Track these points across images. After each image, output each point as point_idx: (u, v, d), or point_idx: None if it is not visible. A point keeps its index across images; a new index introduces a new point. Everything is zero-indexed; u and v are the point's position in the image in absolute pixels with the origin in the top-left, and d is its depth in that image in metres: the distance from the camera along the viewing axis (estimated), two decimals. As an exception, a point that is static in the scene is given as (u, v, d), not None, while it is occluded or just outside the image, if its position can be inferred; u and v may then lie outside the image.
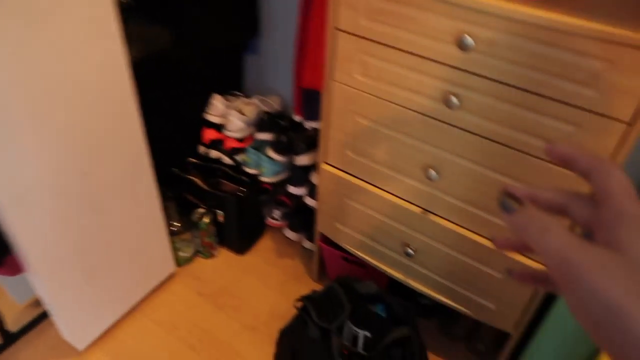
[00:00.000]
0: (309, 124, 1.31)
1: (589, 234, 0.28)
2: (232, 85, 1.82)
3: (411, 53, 0.99)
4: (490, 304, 1.23)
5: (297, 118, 1.35)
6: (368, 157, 1.22)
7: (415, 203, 1.21)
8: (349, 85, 1.14)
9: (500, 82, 0.92)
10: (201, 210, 1.68)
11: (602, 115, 0.84)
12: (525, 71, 0.88)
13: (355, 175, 1.28)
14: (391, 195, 1.24)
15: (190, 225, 1.67)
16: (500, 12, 0.84)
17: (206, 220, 1.66)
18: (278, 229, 1.85)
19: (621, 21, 0.77)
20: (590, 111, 0.85)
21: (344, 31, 1.07)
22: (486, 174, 1.04)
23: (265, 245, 1.80)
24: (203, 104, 1.70)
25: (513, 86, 0.91)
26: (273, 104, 1.76)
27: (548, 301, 1.14)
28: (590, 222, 0.28)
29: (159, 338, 1.50)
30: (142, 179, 1.39)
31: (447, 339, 1.52)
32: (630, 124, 0.82)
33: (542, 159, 0.95)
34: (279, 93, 1.81)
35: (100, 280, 1.40)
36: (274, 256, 1.76)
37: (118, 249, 1.41)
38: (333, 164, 1.31)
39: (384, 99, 1.10)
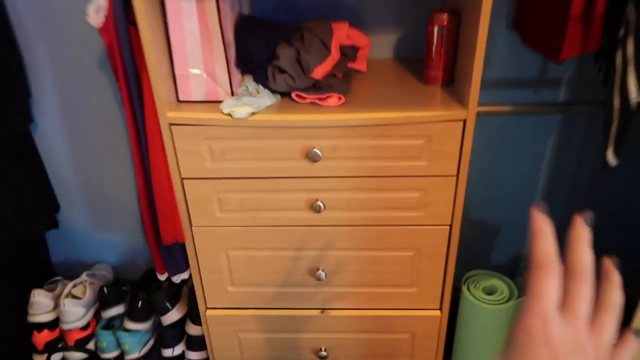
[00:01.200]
0: (177, 277, 1.23)
1: None
2: (45, 272, 1.57)
3: (267, 177, 1.06)
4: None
5: (161, 277, 1.24)
6: (252, 284, 1.21)
7: (312, 307, 1.24)
8: (211, 226, 1.13)
9: (353, 177, 1.05)
10: None
11: (436, 176, 1.05)
12: (369, 162, 1.03)
13: (244, 307, 1.25)
14: (287, 310, 1.24)
15: None
16: (336, 123, 0.99)
17: None
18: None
19: (430, 107, 0.99)
20: (427, 176, 1.05)
21: (191, 179, 1.07)
22: (365, 255, 1.16)
23: None
24: (20, 307, 1.41)
25: (363, 176, 1.05)
26: (104, 273, 1.59)
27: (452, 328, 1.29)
28: None
29: None
30: None
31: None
32: (457, 176, 1.04)
33: (400, 225, 1.11)
34: (102, 259, 1.65)
35: None
36: None
37: None
38: (217, 306, 1.25)
39: (252, 226, 1.13)
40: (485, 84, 1.28)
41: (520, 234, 1.54)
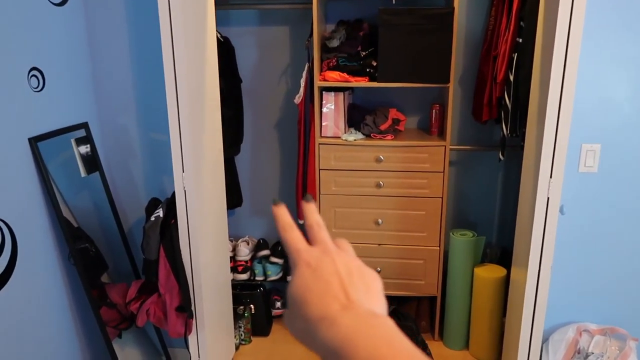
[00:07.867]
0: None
1: None
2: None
3: (357, 170, 2.39)
4: (421, 281, 2.47)
5: (300, 221, 2.51)
6: (344, 228, 2.47)
7: (372, 242, 2.47)
8: (329, 194, 2.43)
9: (398, 171, 2.36)
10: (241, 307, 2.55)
11: (433, 171, 2.34)
12: (404, 164, 2.35)
13: (339, 240, 2.48)
14: (357, 244, 2.47)
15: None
16: (390, 145, 2.34)
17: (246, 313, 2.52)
18: (280, 316, 2.76)
19: (430, 140, 2.34)
20: (429, 171, 2.34)
21: (323, 169, 2.41)
22: (401, 212, 2.41)
23: (277, 328, 2.69)
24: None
25: (402, 171, 2.36)
26: (253, 239, 2.86)
27: (446, 266, 2.46)
28: None
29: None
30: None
31: (405, 331, 2.62)
32: (443, 172, 2.34)
33: (417, 197, 2.38)
34: (250, 234, 2.93)
35: None
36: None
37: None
38: (326, 239, 2.49)
39: (348, 195, 2.43)
40: (455, 137, 2.62)
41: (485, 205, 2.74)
